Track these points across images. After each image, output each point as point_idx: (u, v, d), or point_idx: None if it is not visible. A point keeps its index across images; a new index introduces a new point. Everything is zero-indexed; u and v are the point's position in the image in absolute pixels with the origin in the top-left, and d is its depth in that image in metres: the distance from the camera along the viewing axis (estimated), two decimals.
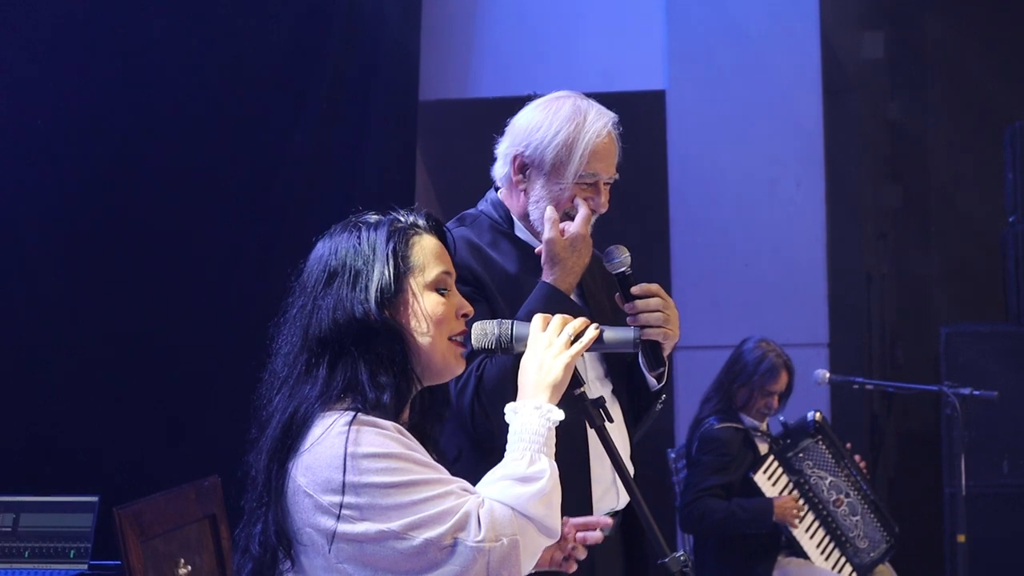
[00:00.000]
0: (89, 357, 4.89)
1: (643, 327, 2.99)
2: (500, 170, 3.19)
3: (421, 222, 2.39)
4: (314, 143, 5.61)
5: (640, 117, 3.41)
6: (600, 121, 3.09)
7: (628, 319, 3.03)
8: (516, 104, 3.26)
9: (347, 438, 2.16)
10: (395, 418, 2.26)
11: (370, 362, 2.27)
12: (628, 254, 3.03)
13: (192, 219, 5.13)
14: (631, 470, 3.19)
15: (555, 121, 3.08)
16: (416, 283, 2.33)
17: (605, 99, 3.23)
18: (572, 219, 3.09)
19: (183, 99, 5.11)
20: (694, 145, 6.76)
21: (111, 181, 4.99)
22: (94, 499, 4.02)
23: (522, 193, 3.14)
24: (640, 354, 3.09)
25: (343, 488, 2.14)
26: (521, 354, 2.38)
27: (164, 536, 3.75)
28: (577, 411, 2.42)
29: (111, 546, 3.68)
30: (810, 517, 5.32)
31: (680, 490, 5.40)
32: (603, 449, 2.95)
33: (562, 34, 6.90)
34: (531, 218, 3.13)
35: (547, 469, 2.24)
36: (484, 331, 2.41)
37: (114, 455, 4.77)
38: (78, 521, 4.00)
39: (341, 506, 2.14)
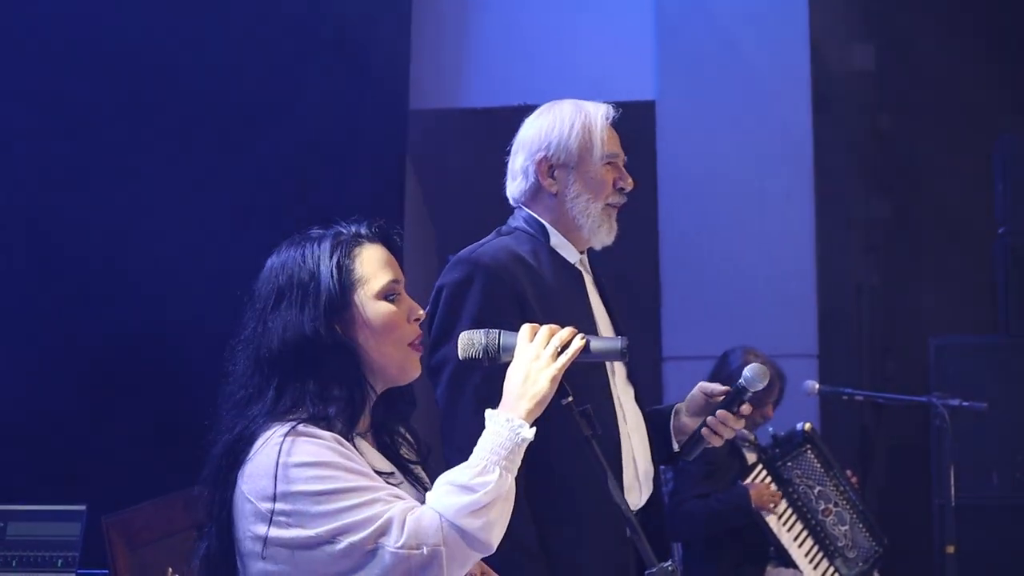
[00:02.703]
0: (77, 365, 4.88)
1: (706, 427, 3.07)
2: (520, 186, 3.25)
3: (364, 231, 2.40)
4: (304, 152, 5.60)
5: (629, 127, 3.41)
6: (601, 108, 3.25)
7: (709, 419, 3.07)
8: (506, 114, 3.27)
9: (280, 448, 2.20)
10: (348, 428, 2.29)
11: (321, 378, 2.29)
12: (766, 383, 3.05)
13: (181, 228, 5.12)
14: (651, 471, 3.23)
15: (563, 117, 3.20)
16: (363, 295, 2.33)
17: None
18: (611, 206, 3.21)
19: (168, 108, 5.12)
20: (684, 155, 6.76)
21: (96, 182, 4.99)
22: (82, 508, 4.01)
23: (554, 196, 3.21)
24: (688, 443, 3.15)
25: (275, 496, 2.18)
26: (507, 364, 2.37)
27: (152, 545, 3.74)
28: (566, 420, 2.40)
29: (99, 555, 3.68)
30: (799, 526, 5.32)
31: (667, 501, 5.40)
32: (631, 448, 2.97)
33: (552, 44, 6.90)
34: (571, 214, 3.20)
35: (492, 482, 2.22)
36: (471, 341, 2.39)
37: (102, 464, 4.76)
38: (66, 530, 3.98)
39: (273, 512, 2.18)
